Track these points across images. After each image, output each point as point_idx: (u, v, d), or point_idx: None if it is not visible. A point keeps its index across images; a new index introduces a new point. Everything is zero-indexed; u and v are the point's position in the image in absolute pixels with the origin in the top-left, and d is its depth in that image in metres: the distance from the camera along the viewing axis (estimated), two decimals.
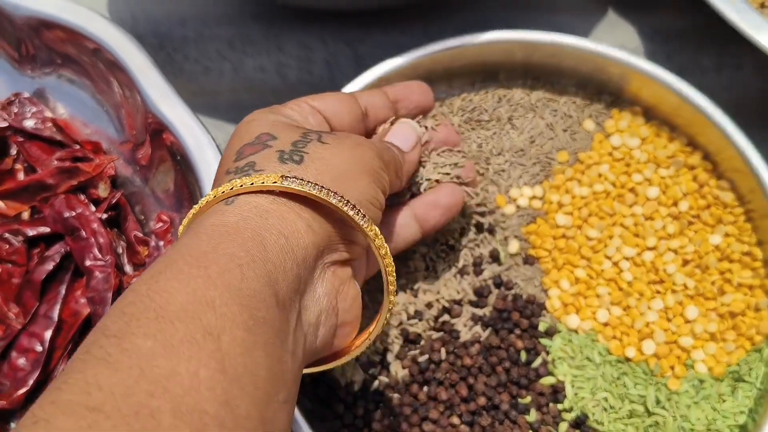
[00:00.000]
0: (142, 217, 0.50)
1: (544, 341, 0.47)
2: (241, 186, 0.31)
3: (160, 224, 0.48)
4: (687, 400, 0.45)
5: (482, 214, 0.50)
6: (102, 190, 0.49)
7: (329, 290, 0.32)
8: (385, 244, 0.34)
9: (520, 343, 0.46)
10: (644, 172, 0.50)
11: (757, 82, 0.57)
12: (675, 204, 0.50)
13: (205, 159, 0.45)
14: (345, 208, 0.32)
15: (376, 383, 0.47)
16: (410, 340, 0.48)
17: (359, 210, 0.32)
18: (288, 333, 0.29)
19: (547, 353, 0.47)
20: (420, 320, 0.48)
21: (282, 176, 0.31)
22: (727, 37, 0.50)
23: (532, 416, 0.45)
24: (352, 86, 0.50)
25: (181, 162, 0.46)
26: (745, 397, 0.45)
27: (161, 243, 0.47)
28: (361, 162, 0.35)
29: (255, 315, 0.27)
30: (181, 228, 0.33)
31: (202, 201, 0.32)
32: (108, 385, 0.23)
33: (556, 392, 0.46)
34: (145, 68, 0.47)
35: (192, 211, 0.32)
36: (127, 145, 0.50)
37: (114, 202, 0.49)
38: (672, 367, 0.46)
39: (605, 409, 0.45)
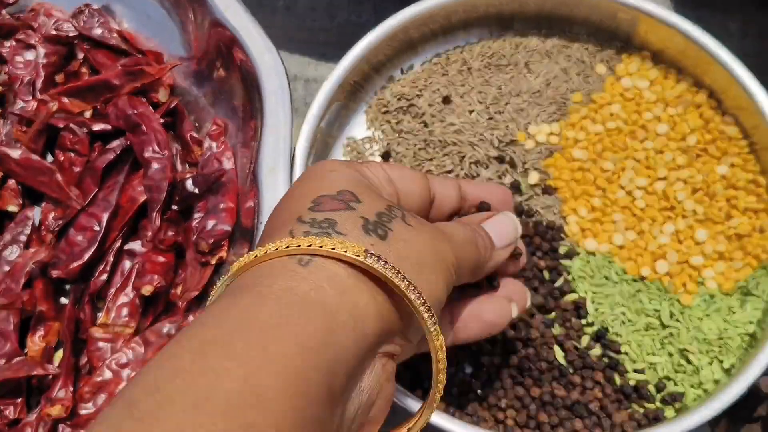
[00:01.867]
0: (197, 125, 0.53)
1: (564, 263, 0.50)
2: (321, 247, 0.27)
3: (215, 128, 0.51)
4: (699, 313, 0.48)
5: (505, 147, 0.53)
6: (162, 95, 0.52)
7: (374, 384, 0.29)
8: (445, 359, 0.30)
9: (542, 263, 0.49)
10: (654, 111, 0.54)
11: None
12: (683, 138, 0.53)
13: (269, 74, 0.48)
14: (421, 309, 0.28)
15: None
16: None
17: (433, 313, 0.29)
18: (332, 427, 0.26)
19: (568, 273, 0.50)
20: None
21: (366, 251, 0.27)
22: (757, 4, 0.53)
23: (557, 330, 0.48)
24: (371, 35, 0.53)
25: (246, 78, 0.49)
26: (753, 309, 0.48)
27: (214, 144, 0.50)
28: (440, 256, 0.31)
29: (303, 414, 0.24)
30: (235, 266, 0.29)
31: (270, 247, 0.28)
32: None
33: (578, 308, 0.48)
34: None
35: (255, 253, 0.28)
36: (190, 60, 0.53)
37: (172, 107, 0.52)
38: (684, 284, 0.49)
39: (623, 323, 0.48)
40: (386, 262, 0.28)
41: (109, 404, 0.24)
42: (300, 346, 0.24)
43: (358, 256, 0.27)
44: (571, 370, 0.47)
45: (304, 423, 0.23)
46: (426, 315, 0.29)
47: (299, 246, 0.27)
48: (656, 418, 0.46)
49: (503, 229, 0.37)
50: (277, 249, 0.27)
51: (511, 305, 0.39)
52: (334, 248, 0.27)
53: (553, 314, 0.48)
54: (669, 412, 0.46)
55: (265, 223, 0.32)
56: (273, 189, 0.45)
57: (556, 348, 0.47)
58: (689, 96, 0.54)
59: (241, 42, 0.49)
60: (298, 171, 0.50)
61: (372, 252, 0.27)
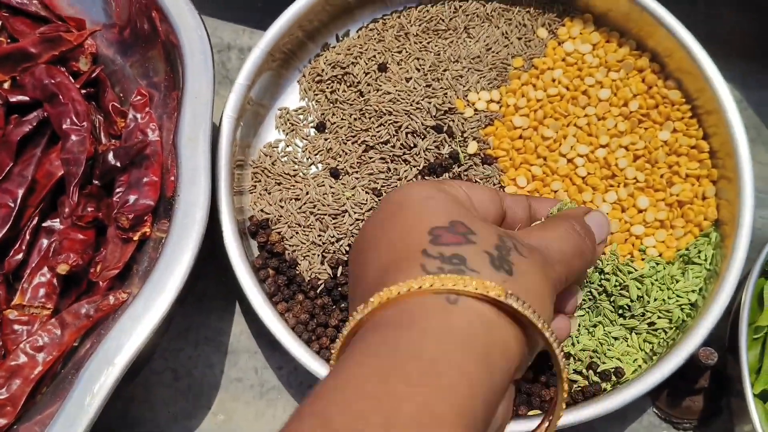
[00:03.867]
0: (122, 95, 0.50)
1: None
2: (465, 287, 0.28)
3: (139, 97, 0.48)
4: (648, 282, 0.47)
5: (442, 115, 0.51)
6: (83, 64, 0.49)
7: (504, 411, 0.30)
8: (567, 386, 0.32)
9: None
10: (596, 76, 0.52)
11: (729, 15, 0.59)
12: (625, 104, 0.51)
13: (191, 39, 0.46)
14: (555, 346, 0.29)
15: (341, 279, 0.48)
16: None
17: (563, 348, 0.30)
18: None
19: None
20: None
21: (506, 291, 0.28)
22: None
23: None
24: (301, 2, 0.51)
25: (167, 44, 0.47)
26: (695, 277, 0.47)
27: (138, 115, 0.47)
28: (550, 283, 0.31)
29: None
30: (377, 300, 0.29)
31: (412, 284, 0.28)
32: None
33: None
34: None
35: (396, 289, 0.28)
36: (112, 28, 0.51)
37: (94, 76, 0.50)
38: (630, 254, 0.48)
39: None
40: (524, 301, 0.28)
41: (297, 419, 0.25)
42: (467, 379, 0.26)
43: (500, 296, 0.28)
44: None
45: None
46: (557, 351, 0.30)
47: (443, 285, 0.28)
48: (594, 394, 0.44)
49: (600, 225, 0.37)
50: (420, 287, 0.28)
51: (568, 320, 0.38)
52: (477, 288, 0.28)
53: None
54: (606, 386, 0.45)
55: (370, 249, 0.32)
56: (192, 159, 0.43)
57: None
58: (631, 59, 0.52)
59: (161, 7, 0.46)
60: (224, 141, 0.48)
61: (510, 292, 0.28)
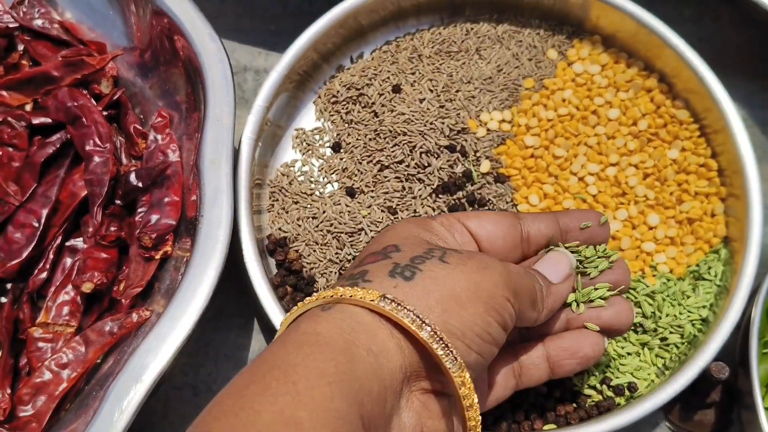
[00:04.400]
0: (142, 117, 0.52)
1: None
2: (341, 296, 0.30)
3: (159, 119, 0.49)
4: (660, 298, 0.48)
5: (455, 135, 0.52)
6: (104, 87, 0.51)
7: (413, 421, 0.30)
8: (474, 395, 0.31)
9: None
10: (605, 96, 0.53)
11: (733, 34, 0.60)
12: (634, 123, 0.53)
13: (212, 63, 0.47)
14: (434, 345, 0.29)
15: None
16: None
17: (451, 351, 0.30)
18: None
19: None
20: None
21: (381, 295, 0.30)
22: None
23: None
24: (319, 22, 0.52)
25: (188, 67, 0.48)
26: (705, 293, 0.48)
27: (159, 136, 0.49)
28: (480, 287, 0.32)
29: None
30: (280, 327, 0.33)
31: (307, 301, 0.32)
32: None
33: None
34: None
35: (294, 311, 0.32)
36: (133, 51, 0.52)
37: (115, 98, 0.51)
38: (642, 270, 0.49)
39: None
40: (399, 303, 0.29)
41: None
42: (325, 380, 0.27)
43: (373, 300, 0.29)
44: None
45: None
46: (441, 352, 0.29)
47: (324, 298, 0.30)
48: (608, 408, 0.45)
49: (555, 264, 0.38)
50: (309, 301, 0.31)
51: (603, 338, 0.39)
52: (351, 296, 0.30)
53: None
54: (620, 400, 0.46)
55: None
56: (215, 180, 0.44)
57: None
58: (640, 80, 0.54)
59: (182, 31, 0.48)
60: (243, 162, 0.49)
61: (387, 296, 0.30)
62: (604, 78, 0.54)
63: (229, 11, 0.62)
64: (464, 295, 0.31)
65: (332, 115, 0.55)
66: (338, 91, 0.55)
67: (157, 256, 0.46)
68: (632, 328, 0.47)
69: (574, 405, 0.46)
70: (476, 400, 0.31)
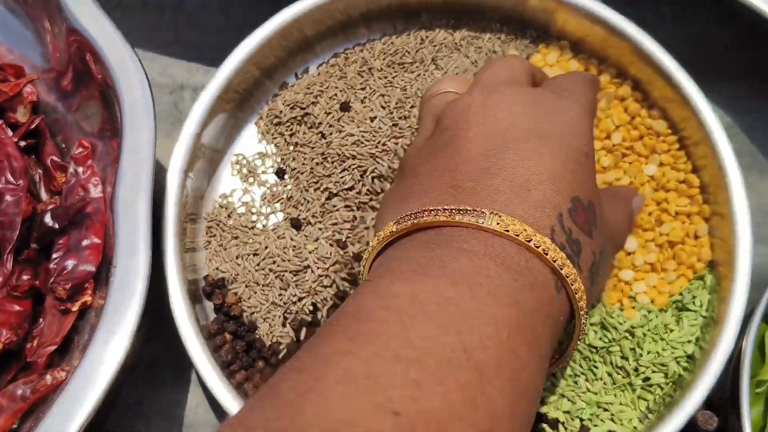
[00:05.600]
0: (64, 146, 0.47)
1: None
2: (573, 284, 0.28)
3: (80, 149, 0.44)
4: (640, 333, 0.43)
5: None
6: (21, 115, 0.46)
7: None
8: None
9: None
10: None
11: (716, 34, 0.56)
12: (608, 137, 0.48)
13: (129, 85, 0.41)
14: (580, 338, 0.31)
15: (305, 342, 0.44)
16: (341, 297, 0.45)
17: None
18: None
19: None
20: (351, 281, 0.45)
21: (586, 311, 0.30)
22: None
23: None
24: (258, 34, 0.47)
25: (105, 90, 0.43)
26: (690, 325, 0.43)
27: (80, 169, 0.43)
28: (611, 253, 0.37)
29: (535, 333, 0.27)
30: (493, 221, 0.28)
31: (543, 242, 0.27)
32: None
33: None
34: None
35: (525, 231, 0.27)
36: (51, 73, 0.47)
37: (33, 127, 0.46)
38: (620, 301, 0.44)
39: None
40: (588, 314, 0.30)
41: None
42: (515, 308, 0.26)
43: (581, 310, 0.29)
44: None
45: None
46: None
47: (562, 269, 0.28)
48: None
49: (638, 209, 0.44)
50: (547, 254, 0.27)
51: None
52: (576, 292, 0.28)
53: None
54: None
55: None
56: (131, 224, 0.38)
57: None
58: (612, 88, 0.49)
59: (96, 50, 0.42)
60: (171, 197, 0.44)
61: (586, 310, 0.29)
62: None
63: (166, 23, 0.57)
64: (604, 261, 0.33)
65: (275, 138, 0.50)
66: (281, 111, 0.49)
67: (74, 308, 0.41)
68: (612, 370, 0.42)
69: None
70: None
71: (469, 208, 0.27)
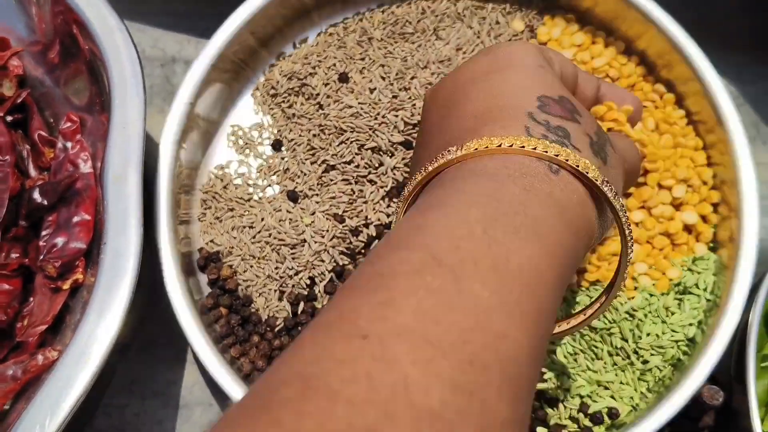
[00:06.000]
0: (52, 121, 0.45)
1: None
2: (567, 161, 0.28)
3: (69, 124, 0.43)
4: (641, 315, 0.42)
5: (411, 129, 0.46)
6: (7, 89, 0.44)
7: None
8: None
9: None
10: None
11: (726, 6, 0.54)
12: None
13: (117, 56, 0.40)
14: (629, 237, 0.30)
15: (302, 317, 0.43)
16: (339, 273, 0.44)
17: (627, 220, 0.30)
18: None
19: None
20: (349, 255, 0.44)
21: (604, 179, 0.29)
22: None
23: None
24: (251, 4, 0.46)
25: (93, 62, 0.42)
26: (692, 308, 0.42)
27: (69, 144, 0.42)
28: (627, 181, 0.35)
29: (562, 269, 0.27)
30: (474, 145, 0.29)
31: (515, 141, 0.28)
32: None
33: None
34: None
35: (497, 141, 0.28)
36: (37, 45, 0.45)
37: (20, 101, 0.44)
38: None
39: None
40: (616, 192, 0.29)
41: (406, 249, 0.24)
42: (562, 247, 0.26)
43: (597, 179, 0.28)
44: None
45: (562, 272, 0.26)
46: (629, 240, 0.30)
47: (546, 152, 0.28)
48: None
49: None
50: (524, 147, 0.28)
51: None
52: (578, 166, 0.28)
53: None
54: (599, 430, 0.41)
55: (464, 97, 0.32)
56: (121, 200, 0.37)
57: None
58: (617, 65, 0.47)
59: (84, 21, 0.41)
60: (164, 168, 0.43)
61: (606, 179, 0.29)
62: (580, 63, 0.48)
63: None
64: (621, 186, 0.33)
65: (272, 109, 0.48)
66: (278, 82, 0.48)
67: (65, 287, 0.40)
68: (613, 351, 0.42)
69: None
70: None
71: (452, 148, 0.29)
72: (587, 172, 0.28)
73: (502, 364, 0.22)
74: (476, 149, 0.28)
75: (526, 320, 0.23)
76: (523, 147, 0.28)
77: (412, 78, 0.47)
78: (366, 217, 0.45)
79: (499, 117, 0.30)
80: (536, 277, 0.24)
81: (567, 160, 0.28)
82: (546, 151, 0.28)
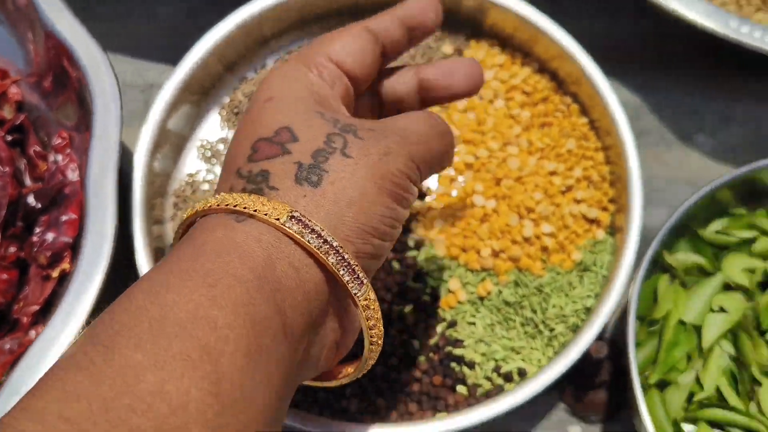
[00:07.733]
0: (46, 139, 0.53)
1: (411, 254, 0.51)
2: (255, 211, 0.27)
3: (60, 140, 0.51)
4: (548, 289, 0.49)
5: None
6: (7, 112, 0.52)
7: (336, 327, 0.30)
8: (378, 314, 0.30)
9: (390, 255, 0.50)
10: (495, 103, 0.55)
11: (628, 27, 0.62)
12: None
13: (98, 77, 0.48)
14: (340, 272, 0.28)
15: None
16: None
17: (358, 275, 0.29)
18: (292, 367, 0.27)
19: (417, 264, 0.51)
20: None
21: (290, 215, 0.27)
22: None
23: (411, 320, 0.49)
24: (216, 31, 0.54)
25: (79, 86, 0.49)
26: (590, 283, 0.49)
27: (59, 157, 0.50)
28: (385, 179, 0.30)
29: (259, 342, 0.25)
30: (184, 215, 0.30)
31: (211, 201, 0.29)
32: (87, 395, 0.22)
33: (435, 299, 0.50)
34: None
35: (195, 207, 0.29)
36: (33, 76, 0.53)
37: (18, 123, 0.52)
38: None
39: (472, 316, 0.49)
40: (307, 224, 0.27)
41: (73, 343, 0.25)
42: (245, 286, 0.26)
43: (279, 219, 0.27)
44: (422, 359, 0.48)
45: (259, 350, 0.25)
46: (347, 278, 0.28)
47: (236, 206, 0.28)
48: (497, 394, 0.47)
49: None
50: (213, 205, 0.28)
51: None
52: (256, 210, 0.27)
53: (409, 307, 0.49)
54: (509, 387, 0.48)
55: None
56: (99, 200, 0.45)
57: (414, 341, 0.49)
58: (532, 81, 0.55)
59: (72, 53, 0.49)
60: (137, 178, 0.50)
61: (295, 213, 0.27)
62: (501, 81, 0.55)
63: (142, 30, 0.63)
64: (371, 191, 0.29)
65: (236, 125, 0.56)
66: (240, 102, 0.56)
67: (54, 274, 0.47)
68: (524, 322, 0.49)
69: (466, 394, 0.47)
70: (380, 320, 0.30)
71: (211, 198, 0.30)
72: (268, 217, 0.27)
73: None
74: (182, 218, 0.30)
75: None
76: (210, 206, 0.28)
77: None
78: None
79: (222, 179, 0.32)
80: (206, 322, 0.24)
81: (246, 209, 0.28)
82: (228, 204, 0.28)
